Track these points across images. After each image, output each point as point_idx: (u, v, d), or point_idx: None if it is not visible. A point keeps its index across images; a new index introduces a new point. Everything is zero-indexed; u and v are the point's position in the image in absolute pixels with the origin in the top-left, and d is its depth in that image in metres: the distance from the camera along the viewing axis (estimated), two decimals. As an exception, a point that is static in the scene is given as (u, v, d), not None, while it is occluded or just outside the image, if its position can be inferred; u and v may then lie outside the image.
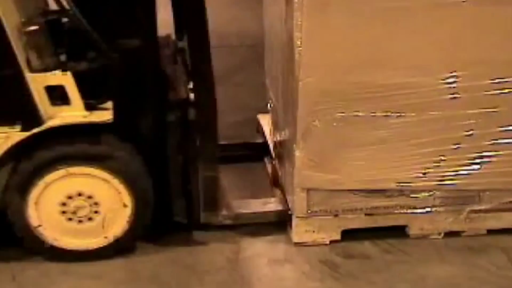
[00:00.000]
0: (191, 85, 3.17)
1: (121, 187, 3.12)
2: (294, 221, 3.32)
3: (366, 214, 3.31)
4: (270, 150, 3.92)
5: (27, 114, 2.98)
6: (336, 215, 3.31)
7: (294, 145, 3.17)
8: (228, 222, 3.35)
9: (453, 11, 2.96)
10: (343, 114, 3.08)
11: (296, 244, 3.33)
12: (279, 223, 3.44)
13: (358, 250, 3.33)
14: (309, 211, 3.28)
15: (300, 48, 2.98)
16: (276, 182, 3.73)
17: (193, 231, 3.41)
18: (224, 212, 3.39)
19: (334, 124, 3.09)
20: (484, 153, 3.19)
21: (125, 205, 3.15)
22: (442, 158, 3.18)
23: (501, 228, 3.38)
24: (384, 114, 3.09)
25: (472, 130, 3.14)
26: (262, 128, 4.14)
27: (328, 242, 3.34)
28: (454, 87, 3.07)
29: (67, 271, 3.20)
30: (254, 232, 3.43)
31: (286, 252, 3.32)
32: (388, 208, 3.31)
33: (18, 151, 3.05)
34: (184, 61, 3.32)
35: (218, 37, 3.72)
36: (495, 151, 3.19)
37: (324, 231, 3.33)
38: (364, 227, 3.34)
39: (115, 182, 3.10)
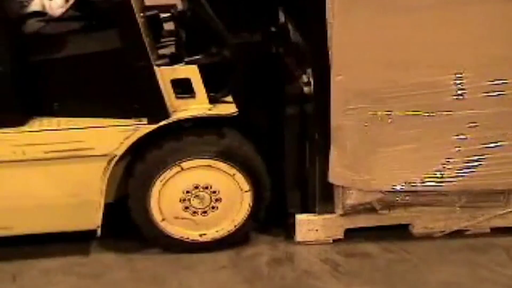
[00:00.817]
0: (304, 79, 3.16)
1: (242, 180, 3.16)
2: (297, 220, 3.31)
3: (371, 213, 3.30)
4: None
5: (154, 107, 3.01)
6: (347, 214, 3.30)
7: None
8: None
9: (485, 7, 2.93)
10: (374, 113, 3.07)
11: (299, 243, 3.32)
12: (280, 222, 3.44)
13: (359, 249, 3.32)
14: (345, 208, 3.27)
15: (331, 47, 2.97)
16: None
17: None
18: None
19: (366, 123, 3.08)
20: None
21: (244, 195, 3.20)
22: (479, 157, 3.16)
23: (505, 227, 3.38)
24: (416, 113, 3.07)
25: (502, 128, 3.12)
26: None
27: (331, 241, 3.33)
28: (488, 85, 3.04)
29: (67, 270, 3.19)
30: (255, 230, 3.41)
31: (287, 250, 3.32)
32: (397, 207, 3.30)
33: (142, 144, 3.08)
34: (297, 53, 3.32)
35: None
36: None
37: (328, 229, 3.32)
38: (367, 226, 3.33)
39: (237, 174, 3.15)
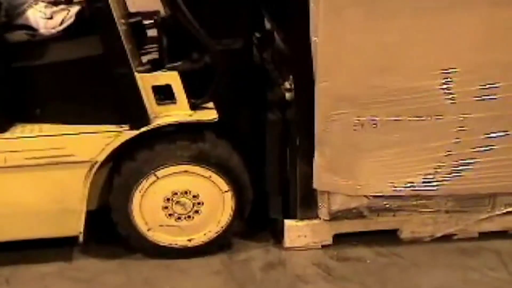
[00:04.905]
0: (287, 85, 3.17)
1: (223, 184, 3.17)
2: (286, 226, 3.32)
3: (359, 218, 3.31)
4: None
5: (135, 114, 3.02)
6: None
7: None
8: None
9: (472, 13, 2.94)
10: (360, 119, 3.07)
11: (288, 248, 3.33)
12: (271, 226, 3.45)
13: (352, 253, 3.33)
14: (331, 214, 3.28)
15: (316, 53, 2.98)
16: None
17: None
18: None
19: (351, 128, 3.08)
20: (503, 157, 3.18)
21: (225, 202, 3.20)
22: (460, 162, 3.17)
23: (497, 230, 3.39)
24: (401, 118, 3.08)
25: (492, 132, 3.13)
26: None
27: (320, 247, 3.34)
28: (477, 89, 3.05)
29: (61, 274, 3.20)
30: (248, 235, 3.43)
31: (280, 255, 3.33)
32: (385, 212, 3.31)
33: (122, 150, 3.09)
34: (277, 59, 3.34)
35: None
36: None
37: (316, 235, 3.33)
38: (357, 231, 3.34)
39: (213, 176, 3.15)
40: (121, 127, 3.03)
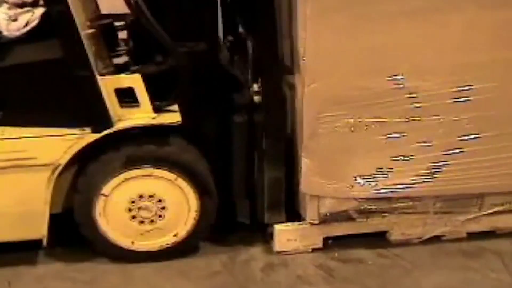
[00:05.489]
0: (255, 87, 3.18)
1: (187, 187, 3.15)
2: (275, 230, 3.31)
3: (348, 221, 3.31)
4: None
5: (98, 116, 3.01)
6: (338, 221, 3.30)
7: (300, 152, 3.17)
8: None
9: (458, 15, 2.96)
10: (348, 121, 3.07)
11: (278, 253, 3.32)
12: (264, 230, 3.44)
13: (353, 255, 3.33)
14: (320, 217, 3.27)
15: (304, 54, 2.99)
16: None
17: (256, 231, 3.43)
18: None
19: (340, 130, 3.08)
20: (489, 157, 3.19)
21: (190, 204, 3.18)
22: (446, 162, 3.18)
23: (481, 232, 3.39)
24: (390, 120, 3.09)
25: (476, 134, 3.14)
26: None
27: (310, 250, 3.33)
28: (461, 91, 3.07)
29: (62, 276, 3.21)
30: (249, 236, 3.43)
31: (281, 256, 3.32)
32: (375, 214, 3.31)
33: (86, 153, 3.08)
34: (246, 62, 3.33)
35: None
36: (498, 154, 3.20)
37: (306, 239, 3.32)
38: (348, 234, 3.33)
39: (182, 182, 3.13)
40: (84, 130, 3.01)
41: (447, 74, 3.05)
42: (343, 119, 3.08)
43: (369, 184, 3.18)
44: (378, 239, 3.37)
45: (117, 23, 3.42)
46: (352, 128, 3.09)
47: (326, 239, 3.34)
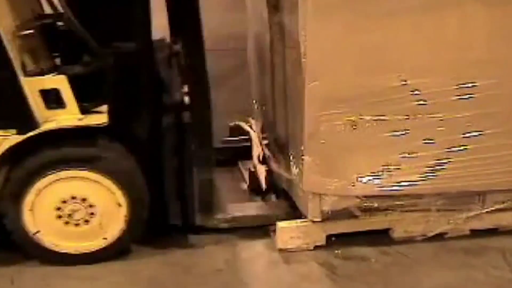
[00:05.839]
0: (185, 89, 3.17)
1: (116, 189, 3.12)
2: (278, 227, 3.32)
3: (350, 218, 3.32)
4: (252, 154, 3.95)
5: (22, 118, 2.99)
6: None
7: (302, 150, 3.17)
8: (223, 225, 3.36)
9: (457, 13, 2.97)
10: (349, 119, 3.08)
11: (280, 250, 3.32)
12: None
13: (356, 252, 3.33)
14: (322, 215, 3.28)
15: (305, 53, 2.99)
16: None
17: (188, 234, 3.43)
18: (219, 215, 3.40)
19: (340, 128, 3.09)
20: (491, 154, 3.21)
21: (119, 205, 3.15)
22: (450, 159, 3.19)
23: (484, 229, 3.41)
24: (392, 117, 3.10)
25: (479, 131, 3.15)
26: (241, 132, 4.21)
27: (312, 248, 3.34)
28: (463, 88, 3.08)
29: (65, 274, 3.20)
30: (252, 234, 3.44)
31: (284, 253, 3.32)
32: (376, 212, 3.32)
33: (13, 154, 3.05)
34: (179, 64, 3.33)
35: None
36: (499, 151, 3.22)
37: (308, 236, 3.32)
38: (351, 231, 3.35)
39: (110, 184, 3.11)
40: (8, 131, 2.99)
41: (448, 71, 3.06)
42: (345, 117, 3.08)
43: (372, 181, 3.19)
44: (380, 237, 3.38)
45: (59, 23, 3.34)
46: (354, 126, 3.10)
47: (329, 237, 3.34)
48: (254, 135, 4.07)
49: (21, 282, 3.16)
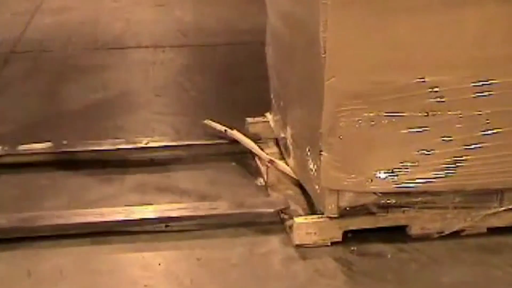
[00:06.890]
0: None
1: None
2: (295, 223, 3.30)
3: (367, 215, 3.30)
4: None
5: None
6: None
7: (320, 145, 3.16)
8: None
9: (477, 10, 2.95)
10: (368, 115, 3.07)
11: (297, 246, 3.31)
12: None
13: (372, 249, 3.32)
14: (339, 211, 3.26)
15: (325, 48, 2.97)
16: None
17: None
18: None
19: (359, 124, 3.08)
20: (510, 152, 3.18)
21: None
22: (468, 157, 3.16)
23: (502, 227, 3.37)
24: (411, 114, 3.08)
25: (497, 128, 3.13)
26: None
27: (329, 244, 3.32)
28: (482, 86, 3.05)
29: (82, 267, 3.21)
30: (267, 229, 3.43)
31: (300, 249, 3.31)
32: (393, 209, 3.30)
33: None
34: None
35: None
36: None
37: (325, 232, 3.31)
38: (367, 228, 3.32)
39: None
40: None
41: (467, 68, 3.04)
42: (363, 113, 3.07)
43: (390, 178, 3.17)
44: (397, 234, 3.36)
45: None
46: (372, 122, 3.09)
47: (345, 233, 3.33)
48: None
49: (38, 274, 3.16)
